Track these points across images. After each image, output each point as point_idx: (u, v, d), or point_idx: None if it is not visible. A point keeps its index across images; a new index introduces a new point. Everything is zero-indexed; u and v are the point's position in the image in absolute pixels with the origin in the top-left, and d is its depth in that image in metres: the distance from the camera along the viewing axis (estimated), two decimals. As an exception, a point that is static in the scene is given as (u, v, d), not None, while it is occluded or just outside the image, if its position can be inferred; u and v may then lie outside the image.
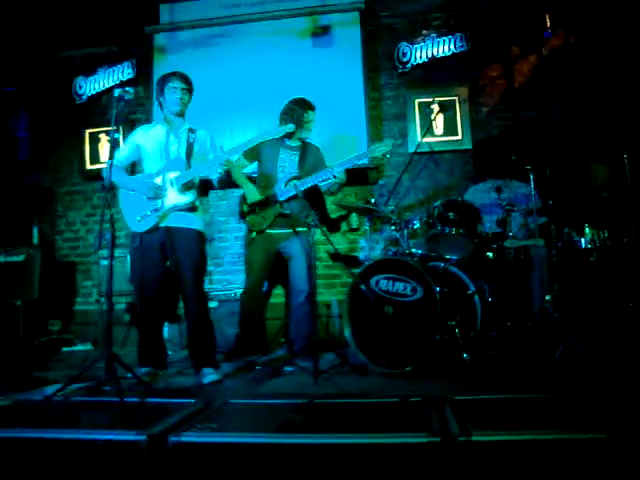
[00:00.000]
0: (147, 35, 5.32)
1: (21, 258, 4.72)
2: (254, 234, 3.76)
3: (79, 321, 5.33)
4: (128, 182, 3.30)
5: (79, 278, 5.50)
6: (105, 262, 4.49)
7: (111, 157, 2.97)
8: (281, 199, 3.72)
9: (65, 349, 4.77)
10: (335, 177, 3.69)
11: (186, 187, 3.22)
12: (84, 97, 5.54)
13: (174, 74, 3.30)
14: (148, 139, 3.34)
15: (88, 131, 5.48)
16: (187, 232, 3.24)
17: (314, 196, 3.86)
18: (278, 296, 4.29)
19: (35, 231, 5.32)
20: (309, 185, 3.67)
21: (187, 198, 3.23)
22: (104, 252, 4.32)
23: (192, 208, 3.29)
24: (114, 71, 5.48)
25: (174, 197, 3.21)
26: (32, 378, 3.43)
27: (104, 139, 5.40)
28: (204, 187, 3.45)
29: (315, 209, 3.83)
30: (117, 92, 2.99)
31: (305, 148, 3.88)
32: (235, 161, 3.65)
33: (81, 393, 2.82)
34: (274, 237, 3.76)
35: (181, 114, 3.35)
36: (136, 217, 3.21)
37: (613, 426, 1.74)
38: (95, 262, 5.04)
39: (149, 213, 3.21)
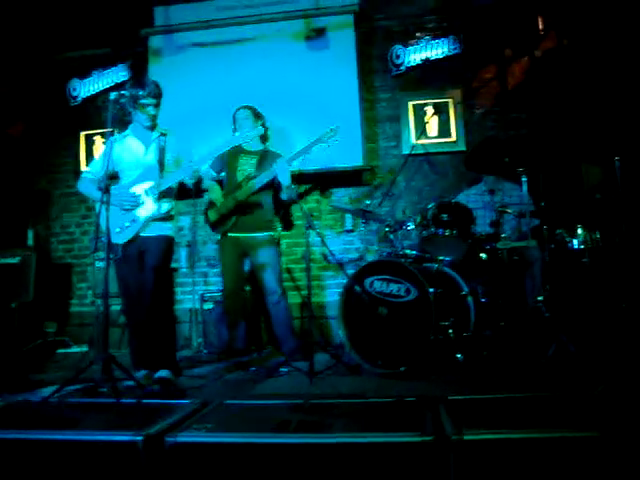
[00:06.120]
0: (142, 37, 5.31)
1: (16, 260, 4.71)
2: (220, 236, 3.95)
3: (74, 323, 5.33)
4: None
5: (74, 280, 5.49)
6: (100, 264, 4.53)
7: (107, 161, 2.97)
8: (240, 197, 3.84)
9: (61, 351, 4.78)
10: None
11: (161, 196, 3.24)
12: (79, 99, 5.53)
13: (147, 89, 3.23)
14: (124, 150, 3.33)
15: (83, 133, 5.48)
16: (159, 238, 3.26)
17: (275, 200, 4.02)
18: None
19: (30, 233, 5.31)
20: (264, 180, 3.80)
21: (163, 207, 3.26)
22: (100, 254, 4.36)
23: (168, 217, 3.32)
24: (109, 73, 5.47)
25: (151, 207, 3.22)
26: (28, 380, 3.44)
27: (99, 141, 5.41)
28: (181, 192, 3.45)
29: (277, 213, 4.07)
30: (113, 95, 3.01)
31: (265, 153, 4.04)
32: (204, 172, 3.74)
33: (77, 395, 2.83)
34: (241, 241, 3.89)
35: (153, 126, 3.36)
36: (115, 229, 3.16)
37: (604, 425, 1.77)
38: (90, 264, 5.05)
39: (128, 224, 3.21)
